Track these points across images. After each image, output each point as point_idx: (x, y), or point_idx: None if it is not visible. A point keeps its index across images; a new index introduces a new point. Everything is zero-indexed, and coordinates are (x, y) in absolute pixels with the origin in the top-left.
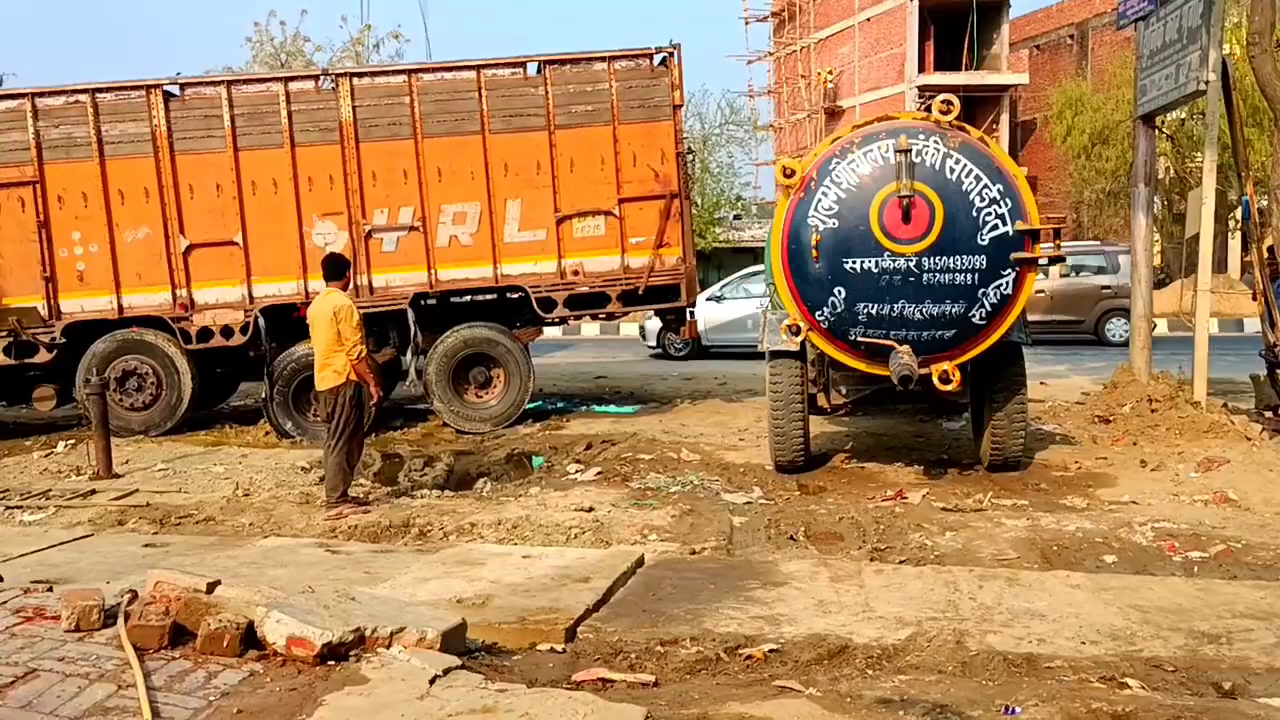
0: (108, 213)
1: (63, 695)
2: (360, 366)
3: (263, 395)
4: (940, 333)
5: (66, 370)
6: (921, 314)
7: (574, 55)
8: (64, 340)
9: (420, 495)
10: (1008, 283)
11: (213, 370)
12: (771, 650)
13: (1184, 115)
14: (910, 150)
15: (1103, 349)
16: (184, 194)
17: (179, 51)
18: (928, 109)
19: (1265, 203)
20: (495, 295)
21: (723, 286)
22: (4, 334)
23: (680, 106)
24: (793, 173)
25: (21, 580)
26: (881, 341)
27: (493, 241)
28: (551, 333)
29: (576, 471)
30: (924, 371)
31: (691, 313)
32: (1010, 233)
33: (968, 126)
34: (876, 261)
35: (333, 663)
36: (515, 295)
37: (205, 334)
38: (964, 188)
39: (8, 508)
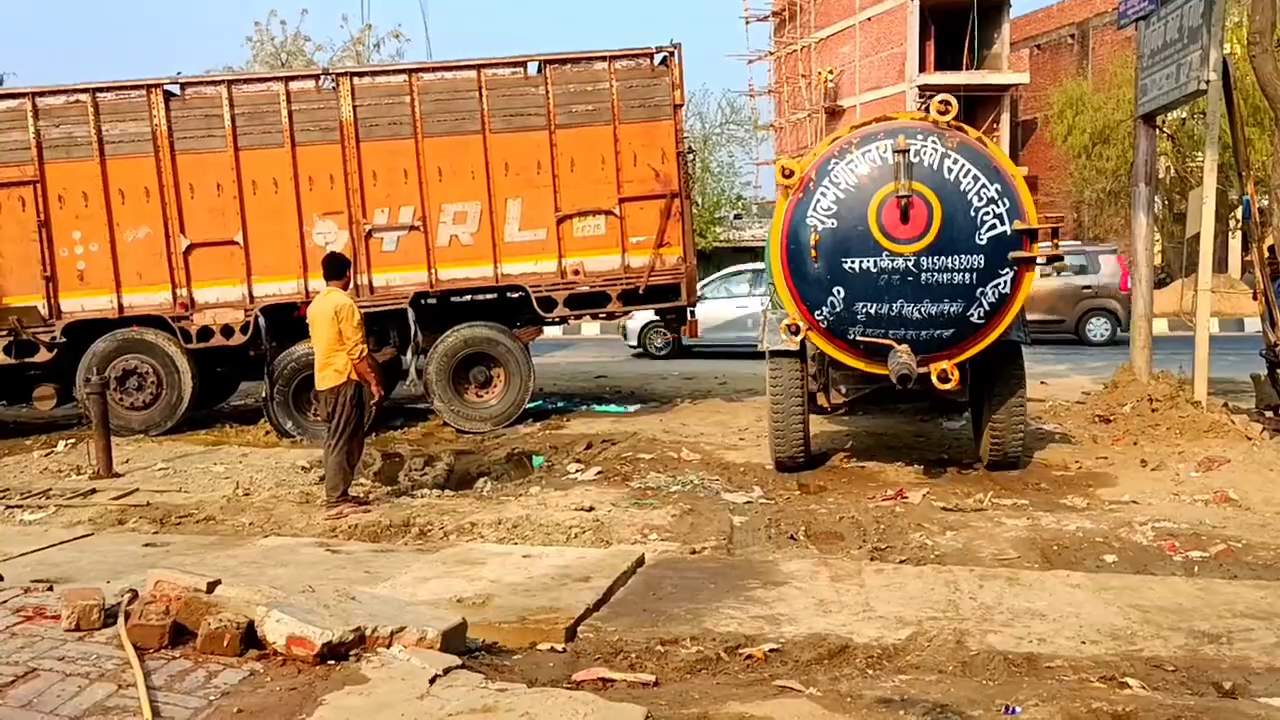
0: (108, 212)
1: (63, 694)
2: (362, 366)
3: (263, 395)
4: (939, 332)
5: (67, 369)
6: (920, 313)
7: (574, 55)
8: (64, 339)
9: (420, 495)
10: (1006, 282)
11: (213, 370)
12: (772, 650)
13: (1185, 115)
14: (908, 150)
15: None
16: (184, 193)
17: (179, 51)
18: (926, 109)
19: (1266, 202)
20: (495, 295)
21: (704, 286)
22: (4, 333)
23: (681, 106)
24: (791, 173)
25: (22, 579)
26: (880, 341)
27: (493, 241)
28: (551, 332)
29: (577, 471)
30: (923, 370)
31: (692, 312)
32: (1008, 232)
33: (965, 126)
34: (875, 261)
35: (333, 662)
36: (515, 295)
37: (205, 333)
38: (962, 187)
39: (8, 507)
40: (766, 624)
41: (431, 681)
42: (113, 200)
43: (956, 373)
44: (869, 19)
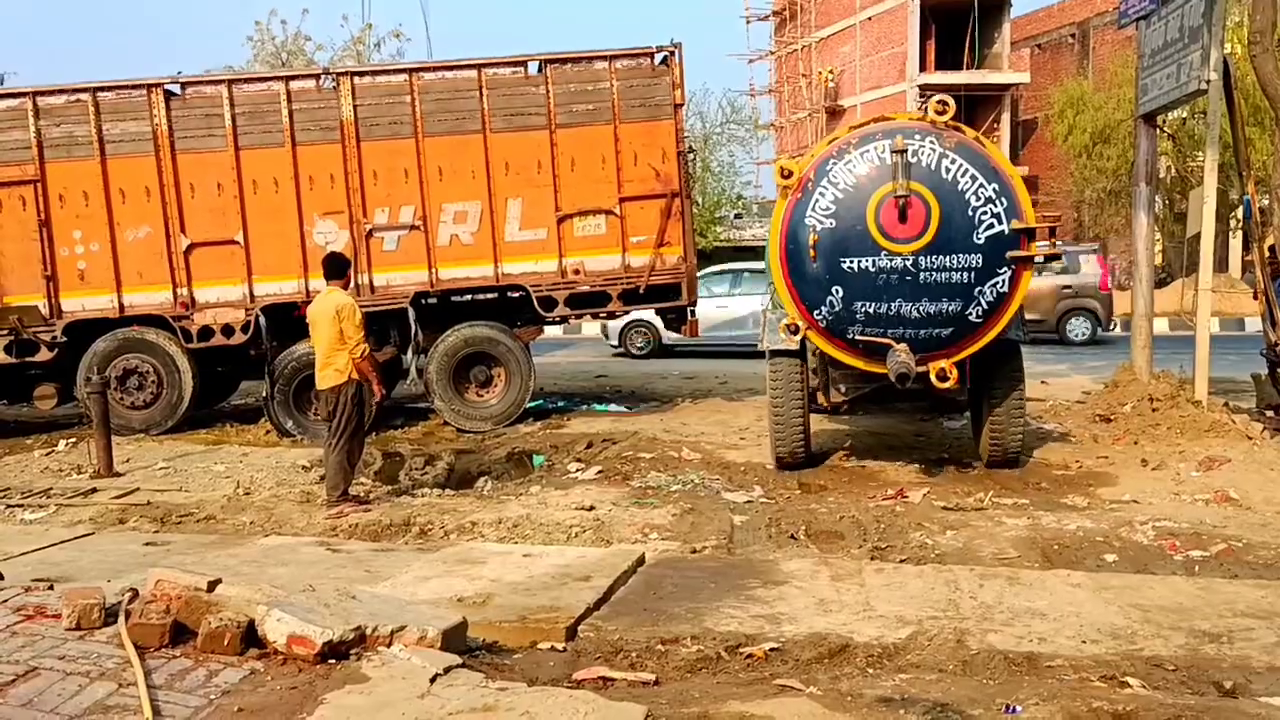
0: (109, 211)
1: (63, 693)
2: (363, 365)
3: (263, 394)
4: (937, 331)
5: (67, 369)
6: (918, 312)
7: (575, 54)
8: (65, 339)
9: (421, 494)
10: (1004, 281)
11: (213, 369)
12: (772, 649)
13: (1185, 114)
14: (906, 150)
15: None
16: (185, 193)
17: (179, 51)
18: (925, 110)
19: (1266, 202)
20: (496, 294)
21: None
22: (5, 332)
23: (681, 105)
24: (790, 174)
25: (22, 579)
26: (879, 340)
27: (494, 240)
28: (551, 331)
29: (577, 470)
30: (921, 369)
31: (692, 311)
32: (1006, 231)
33: (963, 126)
34: (874, 261)
35: (333, 661)
36: (516, 294)
37: (206, 333)
38: (960, 187)
39: (9, 506)
40: (767, 623)
41: (432, 680)
42: (113, 200)
43: (955, 371)
44: (869, 18)
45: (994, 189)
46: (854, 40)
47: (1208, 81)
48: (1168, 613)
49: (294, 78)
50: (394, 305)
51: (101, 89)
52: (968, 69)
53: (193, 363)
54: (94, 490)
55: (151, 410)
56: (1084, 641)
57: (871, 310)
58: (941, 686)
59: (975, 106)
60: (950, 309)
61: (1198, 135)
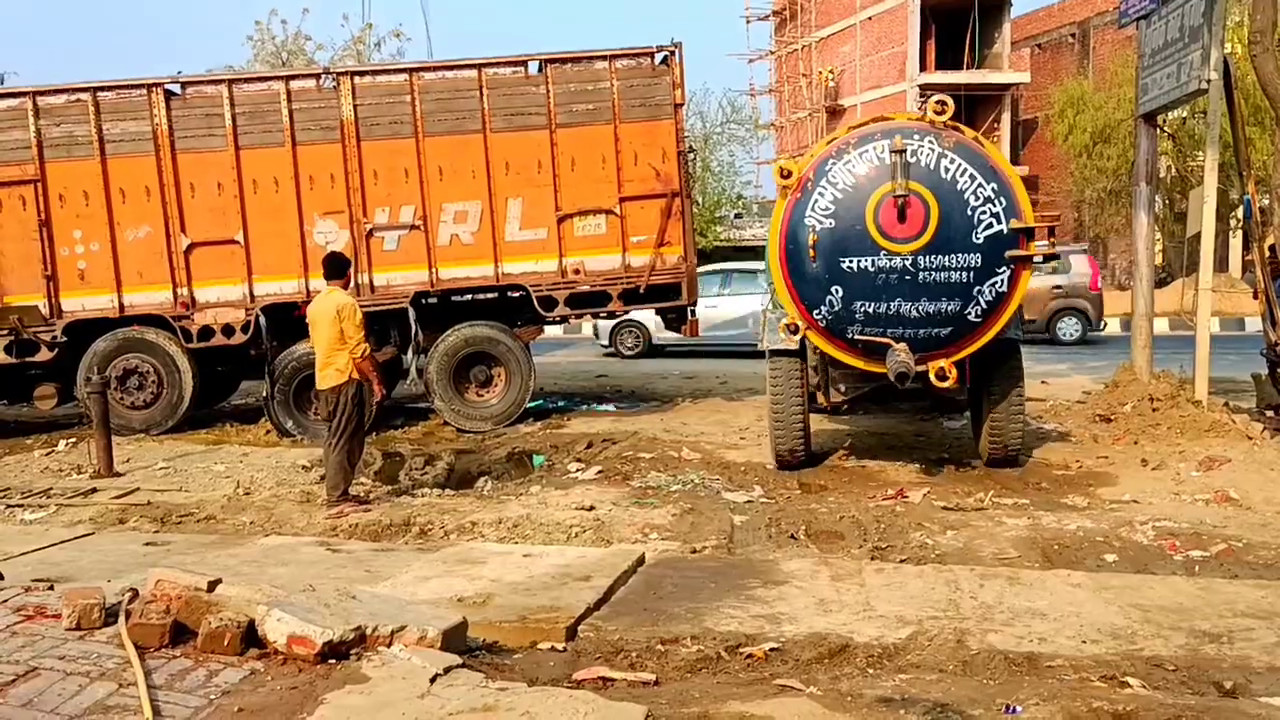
0: (109, 211)
1: (64, 693)
2: (364, 365)
3: (263, 394)
4: (936, 330)
5: (68, 369)
6: (918, 312)
7: (575, 54)
8: (65, 339)
9: (421, 494)
10: (1003, 280)
11: (214, 369)
12: (772, 649)
13: (1185, 114)
14: (905, 150)
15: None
16: (185, 192)
17: (179, 51)
18: (924, 109)
19: (1267, 201)
20: (496, 294)
21: None
22: (5, 332)
23: (681, 105)
24: (789, 174)
25: (22, 579)
26: (879, 339)
27: (494, 240)
28: (552, 331)
29: (577, 470)
30: (921, 369)
31: (693, 311)
32: (1005, 231)
33: (962, 126)
34: (873, 260)
35: (334, 661)
36: (516, 294)
37: (206, 333)
38: (958, 187)
39: (9, 506)
40: (767, 623)
41: (432, 680)
42: (113, 199)
43: (954, 370)
44: (870, 18)
45: (993, 189)
46: (854, 40)
47: (1208, 81)
48: (1168, 613)
49: (294, 77)
50: (394, 305)
51: (102, 89)
52: (968, 69)
53: (193, 362)
54: (94, 490)
55: (152, 410)
56: (1084, 641)
57: (871, 310)
58: (942, 686)
59: (975, 106)
60: (949, 308)
61: (1198, 135)
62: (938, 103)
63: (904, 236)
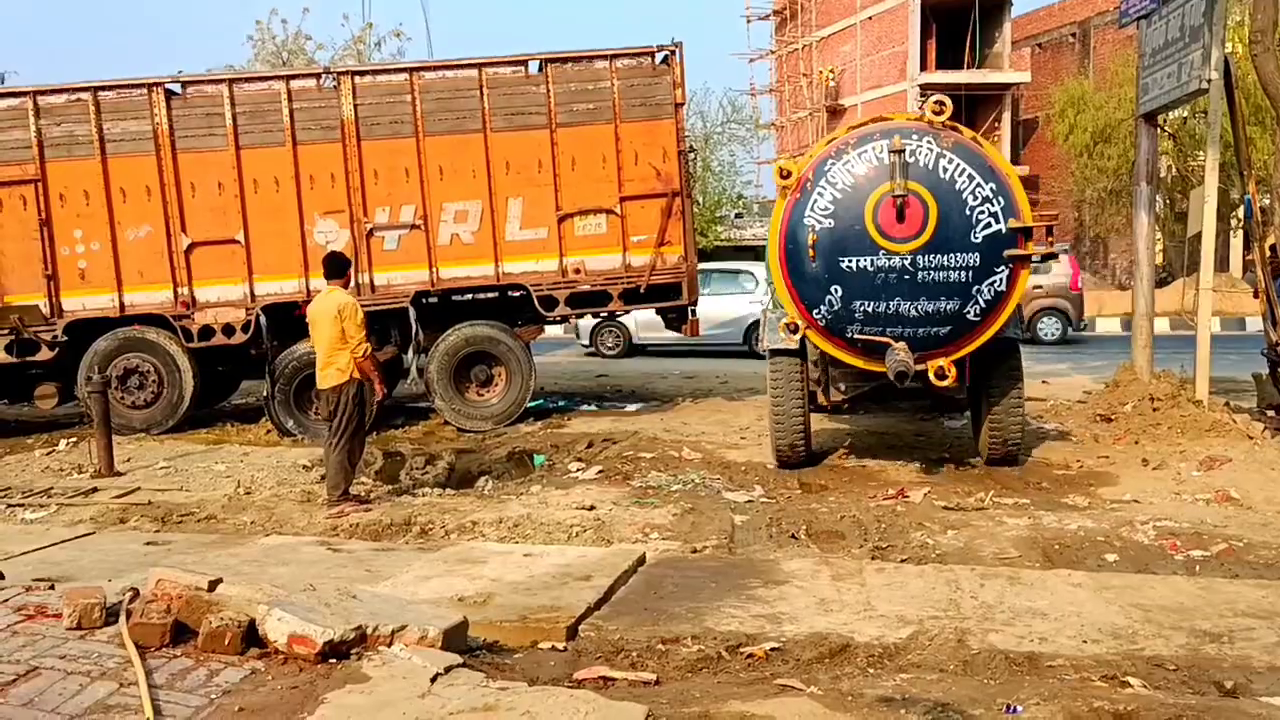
0: (109, 211)
1: (64, 693)
2: (366, 364)
3: (264, 393)
4: (935, 329)
5: (68, 368)
6: (917, 311)
7: (576, 54)
8: (66, 338)
9: (422, 493)
10: (1001, 279)
11: (214, 368)
12: (773, 649)
13: (1186, 114)
14: (904, 150)
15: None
16: (186, 192)
17: (180, 51)
18: (923, 110)
19: (1267, 201)
20: (497, 294)
21: None
22: (6, 332)
23: (682, 105)
24: (789, 174)
25: (23, 578)
26: (878, 339)
27: (494, 240)
28: (552, 330)
29: (578, 470)
30: (920, 368)
31: (693, 310)
32: (1003, 230)
33: (960, 126)
34: (872, 260)
35: (334, 661)
36: (517, 294)
37: (207, 332)
38: (957, 186)
39: (9, 505)
40: (768, 623)
41: (433, 680)
42: (114, 199)
43: (954, 370)
44: (870, 18)
45: (991, 188)
46: (855, 39)
47: (1209, 81)
48: (1169, 612)
49: (295, 77)
50: (395, 304)
51: (102, 88)
52: (968, 68)
53: (193, 362)
54: (95, 490)
55: (152, 409)
56: (1085, 641)
57: (870, 309)
58: (942, 686)
59: (976, 106)
60: (948, 307)
61: (1198, 134)
62: (936, 103)
63: (903, 236)
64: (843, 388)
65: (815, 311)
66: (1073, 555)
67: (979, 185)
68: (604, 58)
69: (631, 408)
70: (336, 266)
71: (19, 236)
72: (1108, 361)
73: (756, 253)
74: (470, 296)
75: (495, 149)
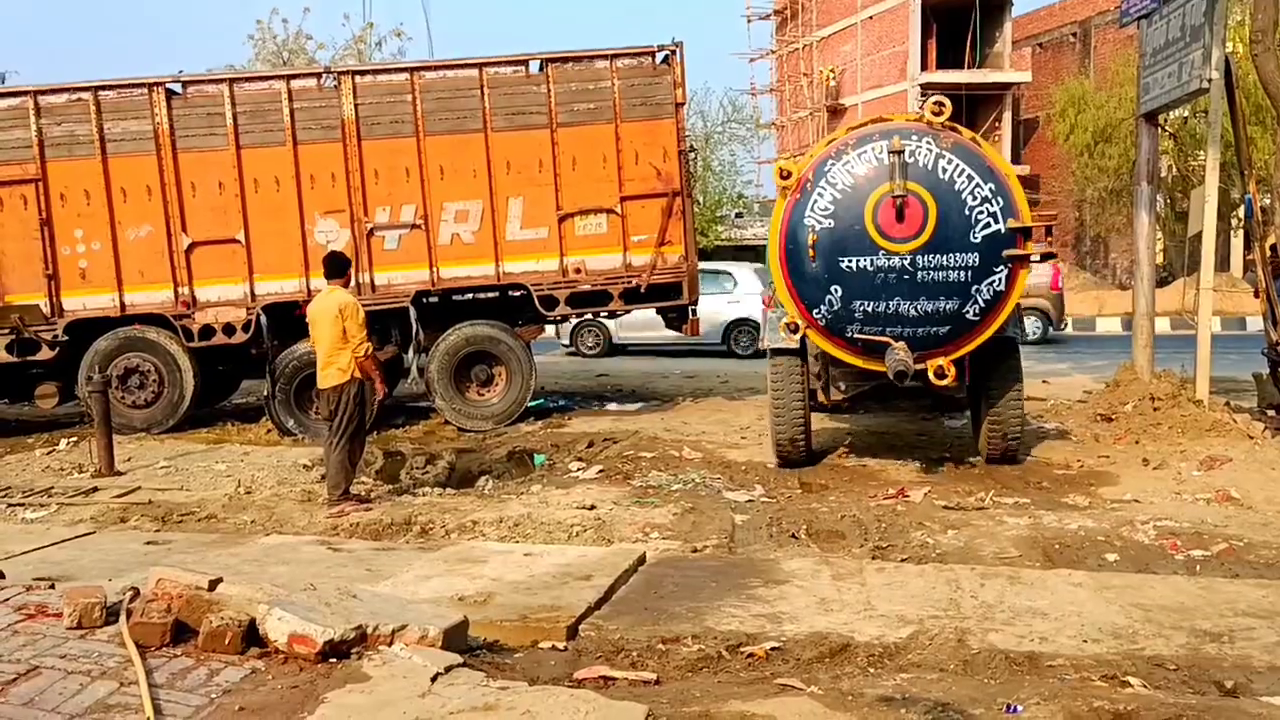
0: (110, 210)
1: (65, 692)
2: (367, 363)
3: (264, 393)
4: (935, 329)
5: (69, 368)
6: (916, 310)
7: (576, 53)
8: (66, 338)
9: (422, 493)
10: (1000, 279)
11: (215, 368)
12: (773, 648)
13: (1186, 113)
14: (903, 151)
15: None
16: (186, 192)
17: (180, 50)
18: (923, 110)
19: (1268, 201)
20: (497, 293)
21: None
22: (6, 331)
23: (682, 104)
24: (789, 174)
25: (24, 578)
26: (878, 338)
27: (495, 239)
28: (553, 330)
29: (578, 469)
30: (920, 367)
31: (694, 310)
32: (1002, 230)
33: (959, 127)
34: (872, 260)
35: (334, 660)
36: (517, 293)
37: (207, 332)
38: (956, 187)
39: (10, 505)
40: (768, 622)
41: (433, 679)
42: (115, 198)
43: (953, 369)
44: (870, 17)
45: (990, 188)
46: (855, 39)
47: (1209, 80)
48: (1169, 612)
49: (295, 77)
50: (395, 304)
51: (103, 88)
52: (969, 68)
53: (194, 361)
54: (95, 489)
55: (153, 409)
56: (1085, 641)
57: (870, 309)
58: (942, 686)
59: (977, 105)
60: (948, 307)
61: (1199, 134)
62: (935, 103)
63: (902, 236)
64: (843, 387)
65: (815, 311)
66: (1073, 555)
67: (978, 185)
68: (604, 57)
69: (632, 407)
70: (337, 266)
71: (20, 236)
72: (1108, 361)
73: (757, 252)
74: (471, 296)
75: (496, 149)
